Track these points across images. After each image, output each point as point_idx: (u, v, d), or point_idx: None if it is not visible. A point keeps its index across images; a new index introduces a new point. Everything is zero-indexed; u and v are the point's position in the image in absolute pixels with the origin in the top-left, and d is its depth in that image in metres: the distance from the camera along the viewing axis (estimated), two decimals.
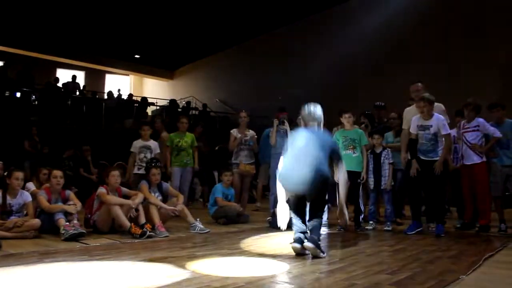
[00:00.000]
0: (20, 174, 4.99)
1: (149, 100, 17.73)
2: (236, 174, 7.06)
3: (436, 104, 5.76)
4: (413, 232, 5.30)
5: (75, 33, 17.57)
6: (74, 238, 4.57)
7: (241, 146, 7.10)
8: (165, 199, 5.76)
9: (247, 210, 7.24)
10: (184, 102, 18.57)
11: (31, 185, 5.97)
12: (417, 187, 5.47)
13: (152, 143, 6.95)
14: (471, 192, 5.79)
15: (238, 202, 6.88)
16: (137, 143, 6.88)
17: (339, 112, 6.12)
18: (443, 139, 5.35)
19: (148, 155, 6.78)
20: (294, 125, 7.15)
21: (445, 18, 12.54)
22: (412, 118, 5.54)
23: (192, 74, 22.75)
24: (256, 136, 7.37)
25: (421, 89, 5.75)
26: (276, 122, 6.90)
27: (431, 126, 5.28)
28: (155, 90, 23.42)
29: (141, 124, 7.36)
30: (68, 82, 16.04)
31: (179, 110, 16.99)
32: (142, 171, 6.57)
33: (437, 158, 5.28)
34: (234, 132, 7.19)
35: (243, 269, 3.30)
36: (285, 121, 6.93)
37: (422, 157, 5.38)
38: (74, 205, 5.13)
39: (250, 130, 7.28)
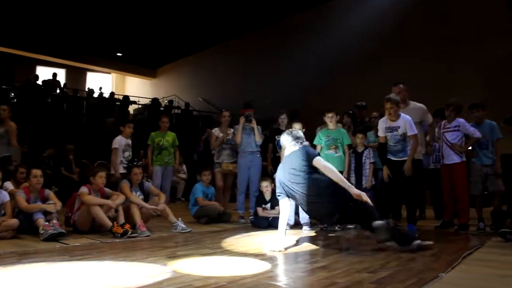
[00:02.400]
0: None
1: (131, 99, 17.59)
2: (219, 173, 7.03)
3: (419, 105, 5.81)
4: None
5: (56, 30, 17.35)
6: (54, 238, 4.51)
7: (223, 146, 7.06)
8: (146, 198, 5.72)
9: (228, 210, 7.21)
10: (166, 101, 18.46)
11: (9, 184, 5.85)
12: (391, 188, 5.51)
13: (130, 141, 6.90)
14: (451, 191, 5.87)
15: (219, 201, 6.86)
16: (121, 140, 6.73)
17: (322, 112, 6.14)
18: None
19: (131, 154, 6.75)
20: (276, 124, 7.18)
21: (425, 17, 12.66)
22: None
23: (175, 72, 22.65)
24: None
25: (402, 91, 5.74)
26: (242, 120, 6.85)
27: (399, 127, 5.28)
28: (138, 88, 23.25)
29: (126, 121, 7.15)
30: (48, 80, 15.82)
31: (161, 109, 16.90)
32: None
33: (406, 158, 5.31)
34: (216, 131, 7.16)
35: (225, 268, 3.29)
36: (252, 118, 6.81)
37: (392, 158, 5.41)
38: (54, 204, 5.06)
39: (232, 129, 7.25)
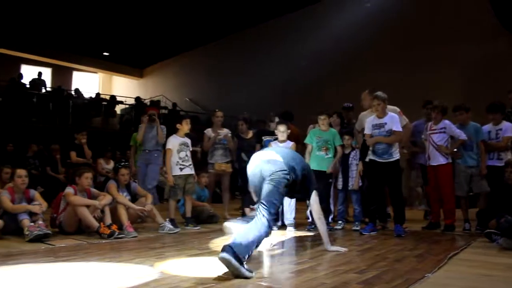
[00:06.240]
0: None
1: (118, 99, 17.46)
2: (212, 174, 7.01)
3: (392, 107, 5.85)
4: (367, 233, 5.37)
5: (42, 28, 17.11)
6: (39, 239, 4.45)
7: (215, 146, 7.04)
8: (133, 199, 5.68)
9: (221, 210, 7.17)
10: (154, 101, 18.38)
11: None
12: (374, 189, 5.55)
13: (188, 140, 6.28)
14: (437, 192, 5.92)
15: (211, 203, 6.86)
16: (176, 140, 6.04)
17: (316, 113, 6.16)
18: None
19: (188, 154, 6.14)
20: (261, 124, 7.22)
21: (408, 21, 12.75)
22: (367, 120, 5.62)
23: (162, 72, 22.52)
24: (230, 134, 7.23)
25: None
26: (146, 119, 7.17)
27: (386, 123, 5.37)
28: (125, 88, 23.06)
29: (182, 117, 6.66)
30: (35, 79, 15.64)
31: None
32: (187, 171, 5.98)
33: (392, 160, 5.36)
34: (208, 132, 7.14)
35: (212, 269, 3.28)
36: (155, 117, 7.19)
37: (377, 159, 5.45)
38: (40, 205, 4.98)
39: (224, 129, 7.20)
